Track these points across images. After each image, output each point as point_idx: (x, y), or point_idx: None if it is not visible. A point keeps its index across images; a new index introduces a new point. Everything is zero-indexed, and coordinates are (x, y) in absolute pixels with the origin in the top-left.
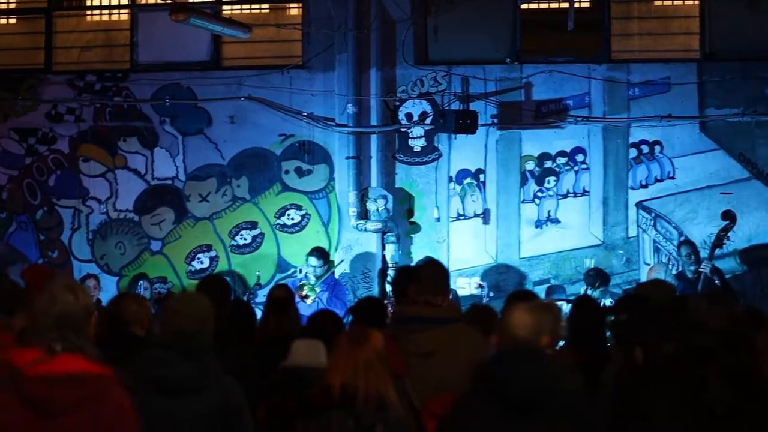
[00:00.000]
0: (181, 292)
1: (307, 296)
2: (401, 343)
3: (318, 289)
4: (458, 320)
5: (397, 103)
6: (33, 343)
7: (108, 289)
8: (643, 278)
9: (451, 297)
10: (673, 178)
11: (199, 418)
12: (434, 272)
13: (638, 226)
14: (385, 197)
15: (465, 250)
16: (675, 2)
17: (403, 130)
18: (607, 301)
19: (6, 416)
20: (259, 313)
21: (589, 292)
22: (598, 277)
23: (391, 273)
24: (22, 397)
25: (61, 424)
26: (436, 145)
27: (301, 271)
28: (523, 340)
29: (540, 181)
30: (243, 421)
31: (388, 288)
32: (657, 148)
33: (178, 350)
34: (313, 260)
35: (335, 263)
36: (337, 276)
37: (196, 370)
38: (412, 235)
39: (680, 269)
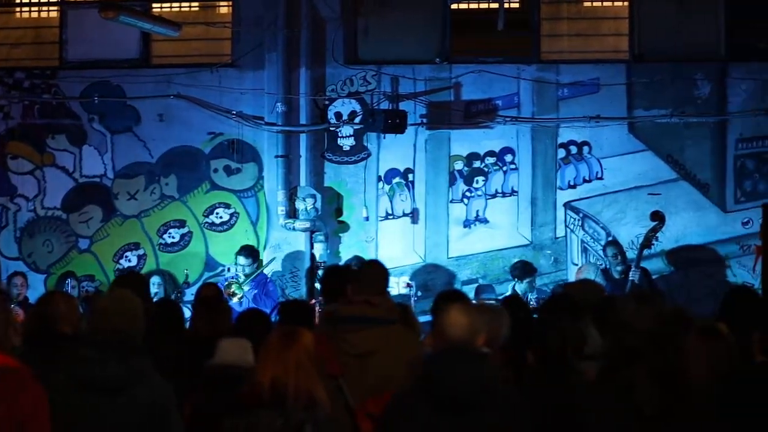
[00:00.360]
0: (111, 291)
1: (234, 294)
2: (337, 343)
3: (246, 288)
4: (395, 321)
5: (327, 102)
6: None
7: (36, 287)
8: (571, 278)
9: None
10: (601, 178)
11: (129, 417)
12: (375, 272)
13: (566, 226)
14: (313, 196)
15: (393, 250)
16: (604, 3)
17: (332, 129)
18: (533, 295)
19: None
20: (187, 312)
21: (516, 285)
22: (523, 269)
23: (319, 272)
24: None
25: None
26: (365, 144)
27: (229, 270)
28: (458, 340)
29: (469, 181)
30: (171, 420)
31: (317, 287)
32: (585, 149)
33: (108, 349)
34: (241, 259)
35: (266, 262)
36: (269, 274)
37: (126, 369)
38: (341, 235)
39: (607, 268)
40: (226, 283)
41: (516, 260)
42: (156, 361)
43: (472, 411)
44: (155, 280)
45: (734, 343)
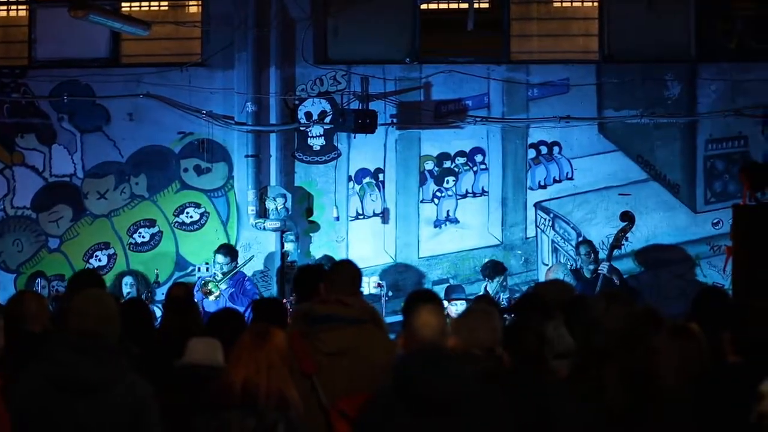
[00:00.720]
0: (84, 291)
1: (211, 292)
2: (311, 342)
3: (223, 286)
4: (368, 321)
5: (297, 102)
6: None
7: (5, 287)
8: (542, 278)
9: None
10: (571, 178)
11: (107, 417)
12: (348, 271)
13: (537, 226)
14: (284, 196)
15: (364, 249)
16: (574, 4)
17: (302, 129)
18: (505, 295)
19: None
20: (158, 312)
21: (486, 284)
22: (493, 268)
23: (290, 272)
24: None
25: None
26: (335, 144)
27: (200, 270)
28: (429, 340)
29: (439, 181)
30: (151, 418)
31: (287, 287)
32: (556, 149)
33: (84, 350)
34: (219, 257)
35: (245, 260)
36: (248, 273)
37: (103, 369)
38: (312, 234)
39: (578, 268)
40: (203, 281)
41: (486, 260)
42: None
43: (447, 412)
44: (128, 280)
45: (706, 343)
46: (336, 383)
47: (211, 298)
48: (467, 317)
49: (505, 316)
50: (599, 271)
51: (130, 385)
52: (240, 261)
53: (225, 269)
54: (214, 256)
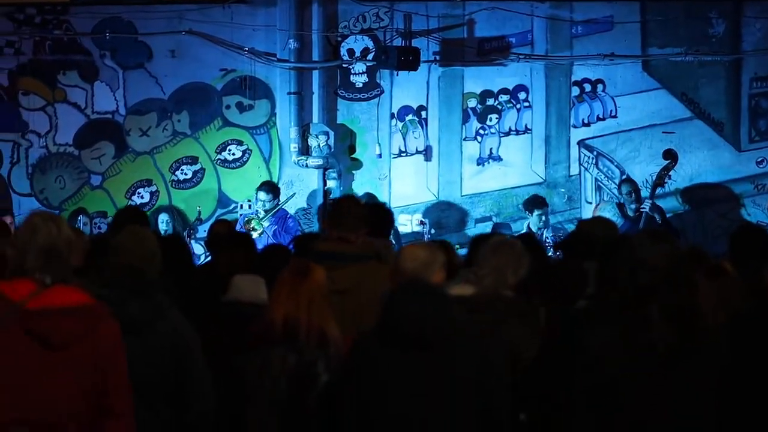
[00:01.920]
0: (126, 228)
1: (254, 229)
2: None
3: (266, 223)
4: (371, 258)
5: (339, 39)
6: (20, 275)
7: None
8: (585, 216)
9: (392, 234)
10: (615, 116)
11: (149, 355)
12: (348, 208)
13: (580, 164)
14: (326, 133)
15: (406, 187)
16: None
17: (344, 66)
18: (548, 232)
19: (14, 351)
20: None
21: (528, 219)
22: (533, 202)
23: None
24: (27, 331)
25: (66, 357)
26: (377, 81)
27: (242, 207)
28: (411, 273)
29: (482, 119)
30: (194, 355)
31: None
32: (599, 87)
33: (126, 287)
34: (262, 194)
35: (287, 197)
36: (291, 211)
37: (144, 307)
38: (354, 172)
39: (622, 203)
40: (246, 219)
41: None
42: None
43: (431, 348)
44: (163, 217)
45: (741, 281)
46: (341, 321)
47: (255, 235)
48: (495, 256)
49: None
50: (642, 210)
51: (172, 323)
52: (282, 198)
53: (267, 206)
54: (256, 193)
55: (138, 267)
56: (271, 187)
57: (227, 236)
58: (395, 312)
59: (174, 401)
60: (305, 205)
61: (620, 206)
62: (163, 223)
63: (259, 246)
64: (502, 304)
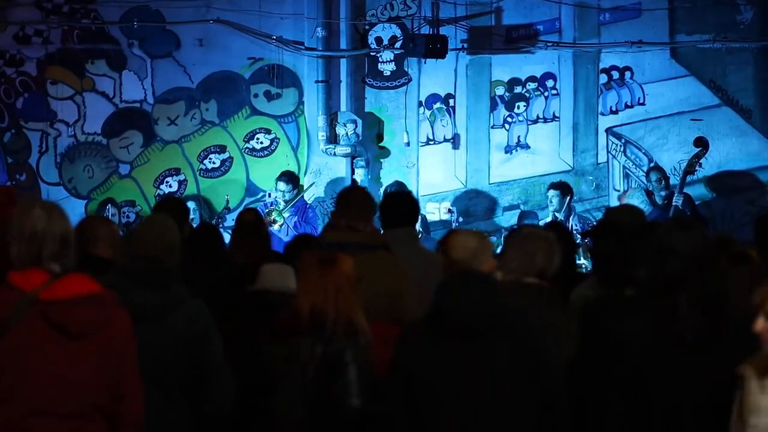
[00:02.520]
0: (147, 217)
1: (275, 221)
2: None
3: (286, 214)
4: (380, 247)
5: (367, 27)
6: (29, 265)
7: (76, 213)
8: (613, 204)
9: (419, 222)
10: (643, 104)
11: (165, 344)
12: (356, 197)
13: (608, 151)
14: (354, 121)
15: (434, 175)
16: None
17: (372, 54)
18: (574, 220)
19: (32, 342)
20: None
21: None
22: (557, 185)
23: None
24: (45, 321)
25: (85, 346)
26: (405, 69)
27: (269, 195)
28: (462, 262)
29: (510, 107)
30: (212, 346)
31: None
32: (627, 74)
33: (143, 277)
34: (281, 185)
35: (305, 187)
36: (309, 200)
37: (161, 297)
38: (382, 160)
39: (650, 190)
40: (267, 210)
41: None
42: (193, 287)
43: (481, 337)
44: (190, 205)
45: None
46: None
47: (275, 227)
48: (525, 242)
49: (578, 241)
50: (674, 203)
51: (189, 311)
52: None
53: (287, 197)
54: (276, 183)
55: (153, 257)
56: (290, 177)
57: (253, 224)
58: (448, 303)
59: (191, 392)
60: (333, 194)
61: (649, 193)
62: (190, 211)
63: (282, 237)
64: (529, 290)
